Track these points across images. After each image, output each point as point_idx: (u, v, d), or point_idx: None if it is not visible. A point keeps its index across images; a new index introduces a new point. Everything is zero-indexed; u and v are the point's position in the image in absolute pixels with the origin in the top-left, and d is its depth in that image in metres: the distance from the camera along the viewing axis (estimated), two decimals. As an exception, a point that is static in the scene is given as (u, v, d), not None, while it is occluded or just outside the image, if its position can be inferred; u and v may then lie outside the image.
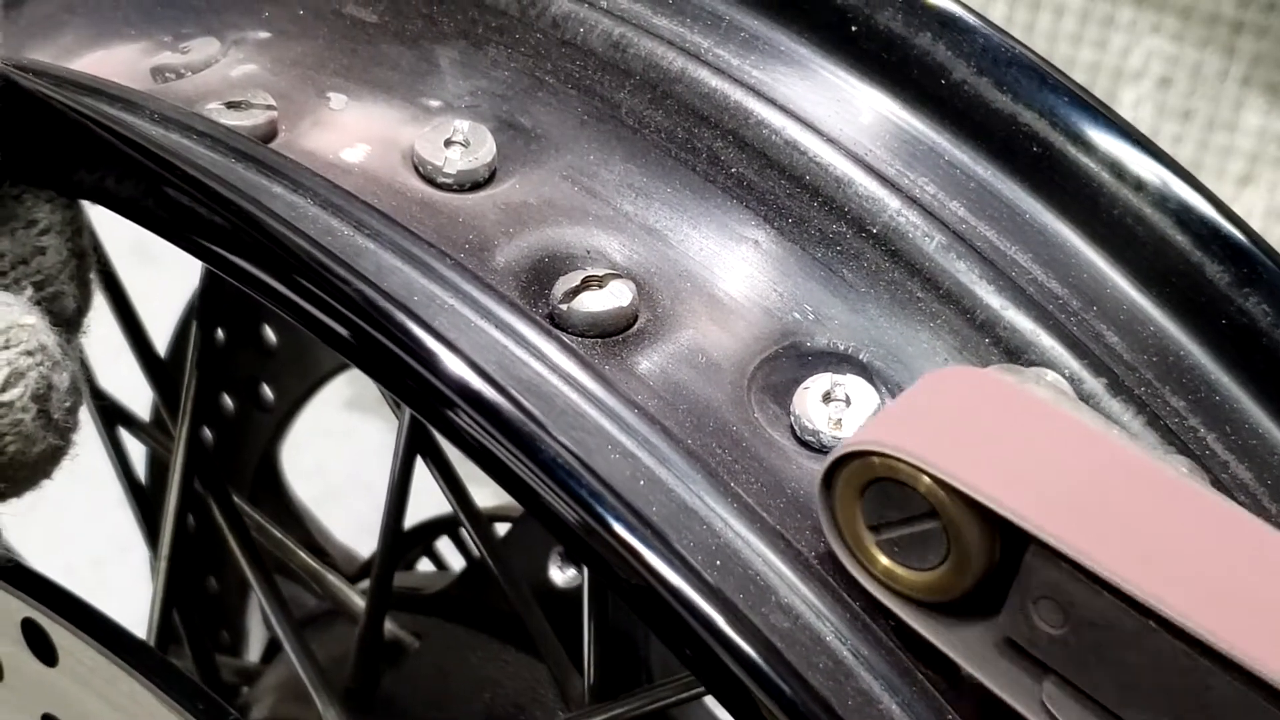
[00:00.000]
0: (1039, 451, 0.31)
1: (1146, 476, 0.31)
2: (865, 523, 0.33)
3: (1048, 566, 0.30)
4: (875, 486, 0.32)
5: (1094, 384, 0.38)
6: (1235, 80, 1.21)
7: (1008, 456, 0.31)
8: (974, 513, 0.31)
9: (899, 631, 0.33)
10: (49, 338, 0.36)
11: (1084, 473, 0.31)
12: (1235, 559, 0.29)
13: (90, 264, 0.40)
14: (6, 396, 0.35)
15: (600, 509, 0.32)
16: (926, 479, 0.31)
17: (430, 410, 0.33)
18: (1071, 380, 0.38)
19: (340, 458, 1.27)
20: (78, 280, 0.40)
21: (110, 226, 0.43)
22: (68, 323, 0.39)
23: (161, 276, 0.74)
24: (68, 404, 0.37)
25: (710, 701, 0.56)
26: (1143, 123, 1.22)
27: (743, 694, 0.32)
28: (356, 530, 0.94)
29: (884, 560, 0.33)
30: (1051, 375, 0.36)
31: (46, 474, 0.37)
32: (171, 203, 0.36)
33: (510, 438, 0.33)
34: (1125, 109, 1.24)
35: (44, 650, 0.43)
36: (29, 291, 0.38)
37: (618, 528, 0.31)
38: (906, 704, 0.32)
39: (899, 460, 0.31)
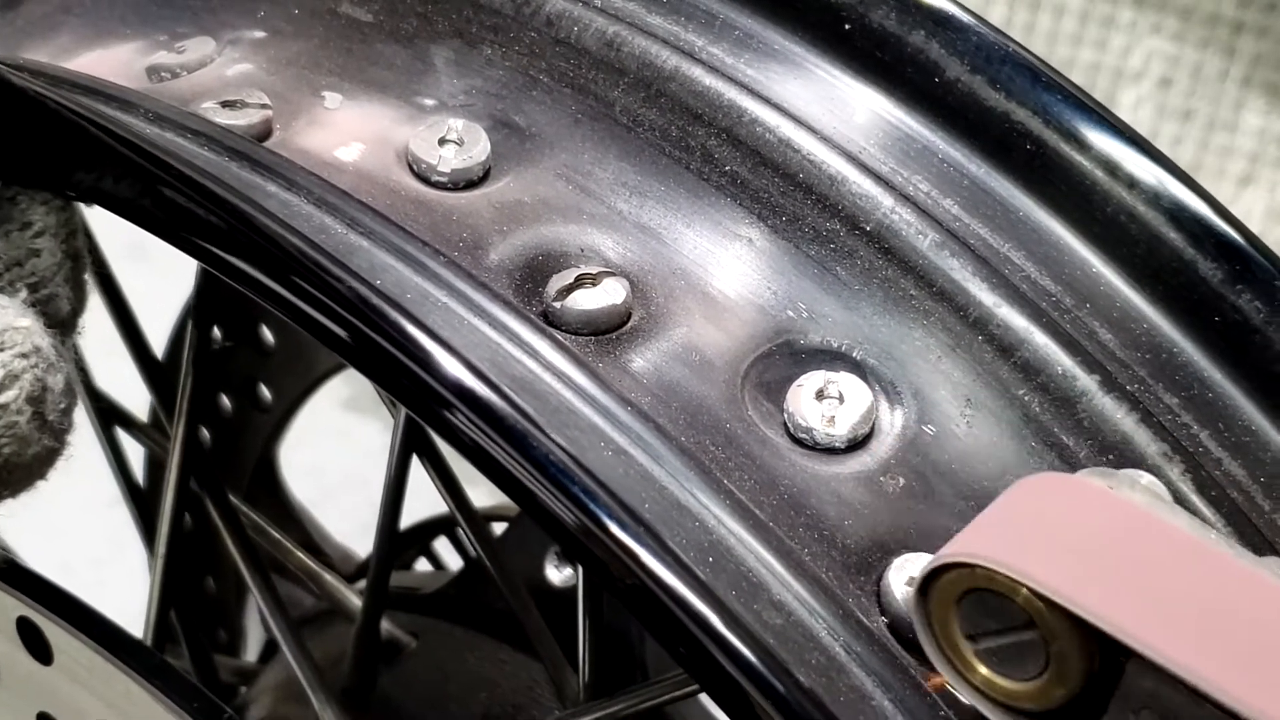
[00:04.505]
0: (1136, 560, 0.31)
1: (1245, 584, 0.30)
2: (962, 631, 0.32)
3: (1148, 677, 0.30)
4: (972, 596, 0.32)
5: (1087, 381, 0.38)
6: (1235, 81, 1.21)
7: (1105, 566, 0.31)
8: (1073, 624, 0.31)
9: (892, 628, 0.33)
10: (44, 340, 0.36)
11: (1182, 581, 0.31)
12: None
13: (85, 266, 0.41)
14: (1, 399, 0.35)
15: (593, 506, 0.32)
16: (1024, 590, 0.31)
17: (424, 408, 0.33)
18: (1064, 377, 0.38)
19: (337, 458, 1.27)
20: (72, 282, 0.40)
21: (106, 225, 0.43)
22: (62, 324, 0.39)
23: (157, 276, 0.74)
24: (62, 406, 0.37)
25: (705, 699, 0.56)
26: (1143, 123, 1.22)
27: (736, 691, 0.32)
28: (353, 530, 0.94)
29: (983, 670, 0.32)
30: (1147, 479, 0.35)
31: (41, 476, 0.37)
32: (167, 202, 0.36)
33: (504, 435, 0.33)
34: (1125, 110, 1.24)
35: (39, 649, 0.43)
36: (23, 294, 0.38)
37: (611, 525, 0.32)
38: (899, 700, 0.32)
39: (996, 572, 0.31)
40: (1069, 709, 0.32)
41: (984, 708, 0.33)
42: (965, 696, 0.33)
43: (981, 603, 0.32)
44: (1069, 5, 1.23)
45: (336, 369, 0.83)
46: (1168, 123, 1.24)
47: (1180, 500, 0.37)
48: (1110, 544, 0.31)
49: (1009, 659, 0.32)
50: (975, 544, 0.32)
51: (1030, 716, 0.32)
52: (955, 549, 0.32)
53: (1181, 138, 1.24)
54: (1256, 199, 1.24)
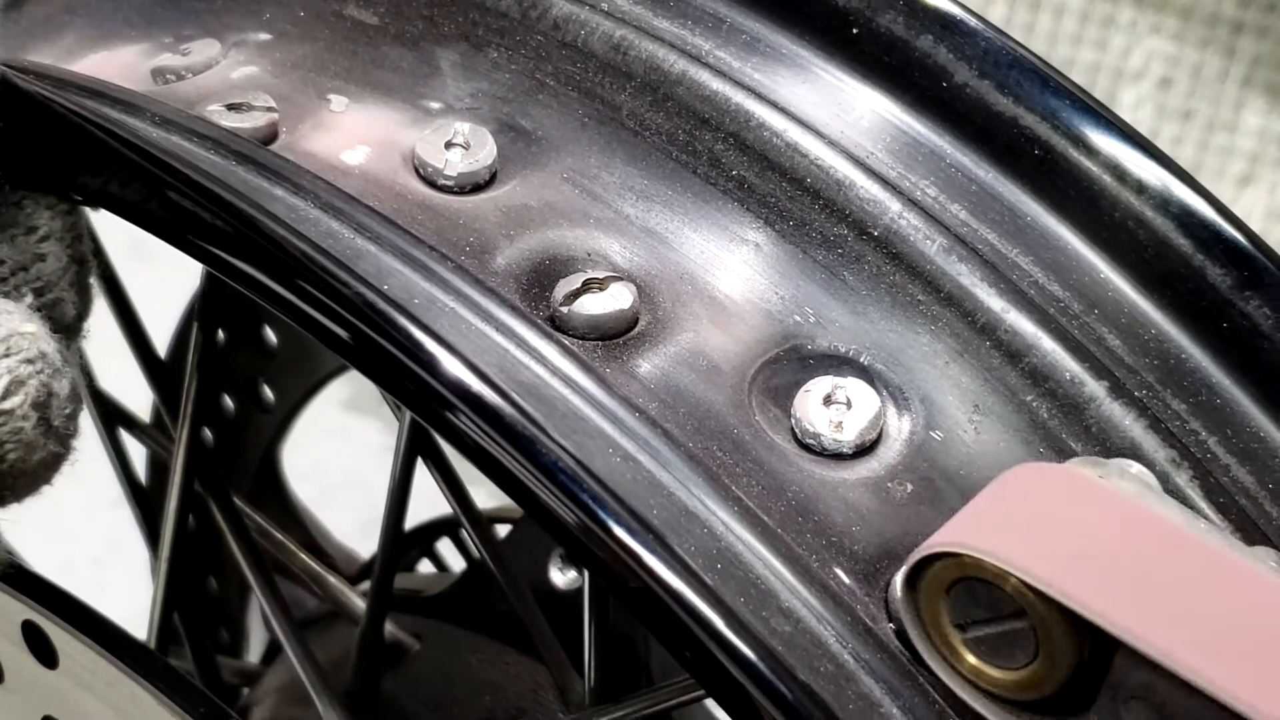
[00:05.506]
0: (1125, 550, 0.31)
1: (1235, 574, 0.31)
2: (951, 620, 0.33)
3: (1138, 668, 0.30)
4: (961, 585, 0.32)
5: (1095, 387, 0.37)
6: (1235, 81, 1.21)
7: (1094, 556, 0.31)
8: (1061, 614, 0.31)
9: (901, 635, 0.33)
10: (49, 345, 0.36)
11: (1172, 572, 0.31)
12: None
13: (90, 270, 0.40)
14: (7, 404, 0.35)
15: (601, 513, 0.32)
16: (1014, 579, 0.31)
17: (432, 414, 0.33)
18: (1072, 383, 0.38)
19: (337, 458, 1.27)
20: (77, 287, 0.40)
21: (107, 225, 0.43)
22: (67, 329, 0.39)
23: (158, 275, 0.74)
24: (67, 411, 0.37)
25: (712, 705, 0.56)
26: (1143, 123, 1.22)
27: (742, 696, 0.32)
28: (354, 530, 0.94)
29: (971, 659, 0.32)
30: (1136, 468, 0.35)
31: (46, 481, 0.37)
32: (173, 206, 0.36)
33: (511, 441, 0.33)
34: (1125, 110, 1.24)
35: (44, 652, 0.43)
36: (29, 298, 0.38)
37: (619, 531, 0.31)
38: (908, 708, 0.32)
39: (984, 561, 0.31)
40: (1058, 699, 0.32)
41: (972, 699, 0.33)
42: (954, 686, 0.33)
43: (971, 592, 0.32)
44: (1069, 5, 1.23)
45: (340, 370, 0.83)
46: (1168, 123, 1.24)
47: (1187, 506, 0.37)
48: (1099, 534, 0.32)
49: (998, 648, 0.32)
50: (965, 533, 0.32)
51: (1019, 706, 0.32)
52: (944, 538, 0.32)
53: (1181, 138, 1.24)
54: (1256, 199, 1.24)
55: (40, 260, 0.38)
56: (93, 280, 0.41)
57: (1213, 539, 0.31)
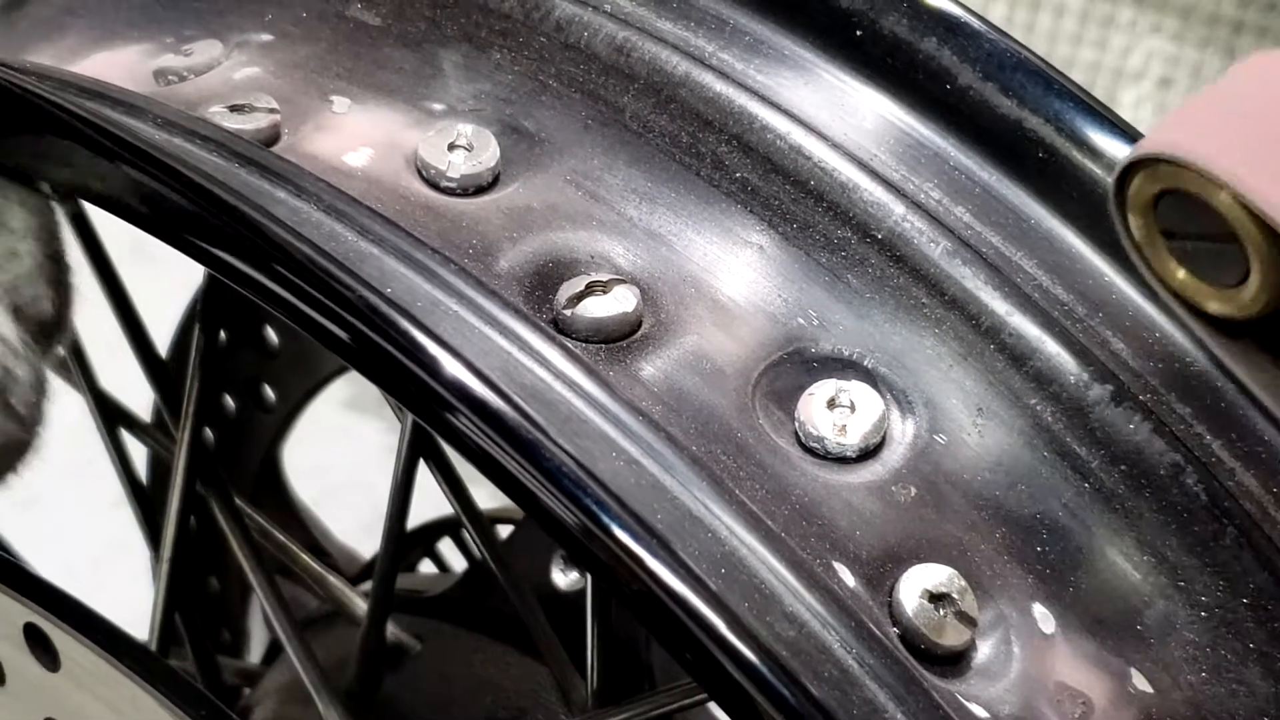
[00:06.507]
0: None
1: None
2: (1160, 227, 0.29)
3: None
4: (1169, 198, 0.28)
5: (1099, 390, 0.37)
6: (1236, 80, 1.20)
7: None
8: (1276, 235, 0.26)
9: (905, 640, 0.33)
10: (9, 329, 0.36)
11: None
12: None
13: (67, 267, 0.41)
14: None
15: (605, 518, 0.32)
16: (1225, 195, 0.26)
17: (435, 418, 0.33)
18: (1076, 387, 0.38)
19: (339, 457, 1.26)
20: (55, 283, 0.40)
21: (109, 226, 0.43)
22: (46, 324, 0.39)
23: (159, 275, 0.74)
24: (30, 397, 0.37)
25: (715, 709, 0.56)
26: (1142, 123, 1.22)
27: (745, 701, 0.32)
28: (355, 529, 0.94)
29: (1180, 273, 0.29)
30: None
31: (10, 467, 0.37)
32: (175, 208, 0.36)
33: (514, 445, 0.33)
34: (1125, 109, 1.24)
35: (46, 655, 0.43)
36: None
37: (623, 537, 0.31)
38: (912, 714, 0.32)
39: (1193, 170, 0.26)
40: (1266, 323, 0.28)
41: (1180, 311, 0.30)
42: (1164, 297, 0.30)
43: (1178, 205, 0.28)
44: (1069, 5, 1.23)
45: (341, 370, 0.83)
46: (1169, 122, 1.24)
47: (1192, 514, 0.36)
48: None
49: (1207, 261, 0.28)
50: (1178, 134, 0.27)
51: (1226, 325, 0.29)
52: (1155, 139, 0.27)
53: (1182, 137, 1.24)
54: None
55: (14, 257, 0.38)
56: (72, 279, 0.41)
57: None
